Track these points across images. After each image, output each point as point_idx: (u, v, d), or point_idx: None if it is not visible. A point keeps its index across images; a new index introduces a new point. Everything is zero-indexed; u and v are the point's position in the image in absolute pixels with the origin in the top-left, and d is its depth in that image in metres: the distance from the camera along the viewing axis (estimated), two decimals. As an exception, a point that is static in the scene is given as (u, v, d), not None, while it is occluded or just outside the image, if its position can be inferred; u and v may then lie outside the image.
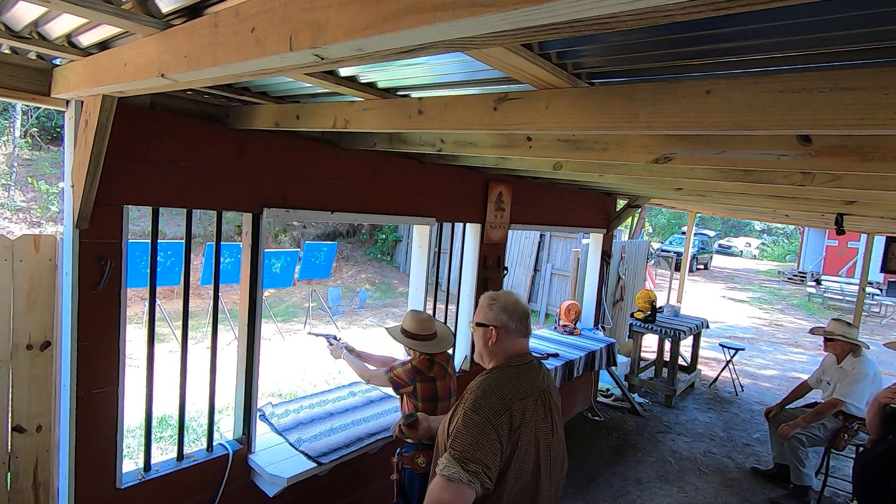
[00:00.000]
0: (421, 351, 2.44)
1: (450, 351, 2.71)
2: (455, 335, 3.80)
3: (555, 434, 1.61)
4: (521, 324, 1.63)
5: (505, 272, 4.05)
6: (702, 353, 7.25)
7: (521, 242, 11.42)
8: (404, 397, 2.47)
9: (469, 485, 1.35)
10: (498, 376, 1.57)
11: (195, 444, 3.87)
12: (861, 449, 3.71)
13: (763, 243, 33.12)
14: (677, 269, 10.03)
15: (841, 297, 15.40)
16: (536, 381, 1.60)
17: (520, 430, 1.48)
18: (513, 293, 1.73)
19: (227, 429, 2.53)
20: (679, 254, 12.77)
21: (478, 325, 1.67)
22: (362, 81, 1.73)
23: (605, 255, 5.64)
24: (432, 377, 2.42)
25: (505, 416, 1.45)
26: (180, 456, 2.30)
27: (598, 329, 5.66)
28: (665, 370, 6.40)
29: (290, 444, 2.60)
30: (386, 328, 2.59)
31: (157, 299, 2.22)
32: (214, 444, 2.42)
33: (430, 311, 3.53)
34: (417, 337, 2.45)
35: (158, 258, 2.48)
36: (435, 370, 2.44)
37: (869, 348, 4.05)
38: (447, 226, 3.59)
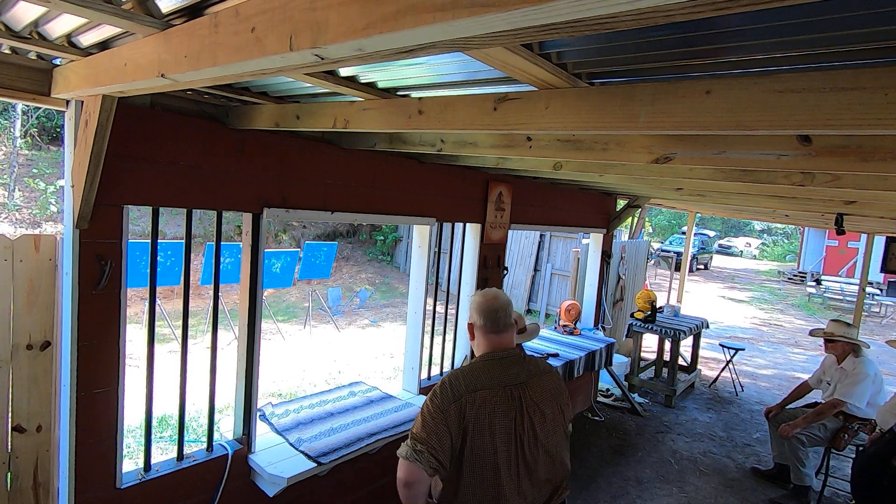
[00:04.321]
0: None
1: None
2: (455, 337, 3.81)
3: (527, 429, 1.64)
4: (489, 320, 1.73)
5: (505, 272, 4.05)
6: (702, 353, 7.24)
7: (521, 242, 11.42)
8: None
9: (415, 462, 1.51)
10: (464, 368, 1.71)
11: (195, 444, 3.87)
12: (860, 449, 3.72)
13: (763, 243, 33.12)
14: (677, 269, 10.03)
15: (841, 297, 15.40)
16: (509, 374, 1.67)
17: (472, 418, 1.58)
18: (490, 290, 1.82)
19: (227, 429, 2.52)
20: (679, 254, 12.77)
21: (468, 324, 1.82)
22: (362, 81, 1.73)
23: (605, 255, 5.64)
24: None
25: (455, 405, 1.59)
26: (180, 456, 2.30)
27: (598, 329, 5.66)
28: (665, 370, 6.40)
29: (290, 444, 2.60)
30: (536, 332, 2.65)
31: (157, 299, 2.22)
32: (214, 444, 2.42)
33: (429, 311, 3.53)
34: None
35: (158, 258, 2.48)
36: None
37: (869, 347, 4.05)
38: (447, 226, 3.59)
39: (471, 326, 1.79)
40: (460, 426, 1.58)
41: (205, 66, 1.02)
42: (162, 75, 1.15)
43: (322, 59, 0.84)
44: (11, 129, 11.25)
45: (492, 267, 3.85)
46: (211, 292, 6.81)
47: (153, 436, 2.33)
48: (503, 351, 1.73)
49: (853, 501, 2.76)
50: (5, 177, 10.84)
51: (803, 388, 4.44)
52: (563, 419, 1.77)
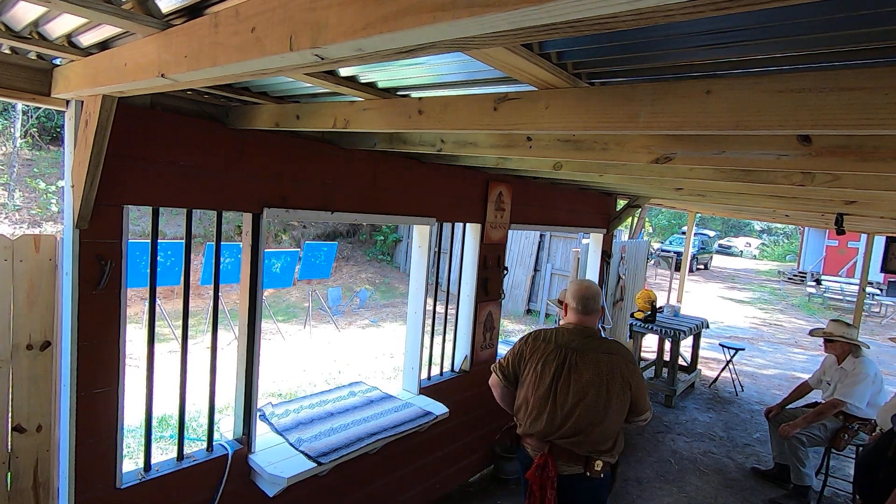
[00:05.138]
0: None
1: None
2: (455, 337, 3.81)
3: (563, 380, 2.27)
4: (579, 304, 2.41)
5: (505, 272, 4.05)
6: (702, 353, 7.25)
7: (521, 242, 11.42)
8: None
9: (494, 372, 2.53)
10: (547, 329, 2.47)
11: (195, 444, 3.88)
12: (861, 448, 3.72)
13: (763, 243, 33.14)
14: (677, 269, 10.03)
15: (841, 297, 15.41)
16: (570, 340, 2.34)
17: (528, 357, 2.40)
18: (585, 281, 2.52)
19: (227, 429, 2.52)
20: (679, 254, 12.77)
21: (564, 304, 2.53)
22: (362, 81, 1.73)
23: (605, 255, 5.64)
24: None
25: (524, 345, 2.44)
26: (180, 456, 2.30)
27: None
28: (665, 370, 6.41)
29: (290, 444, 2.60)
30: (558, 301, 3.46)
31: (157, 299, 2.22)
32: (214, 443, 2.42)
33: (429, 311, 3.54)
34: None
35: (158, 258, 2.48)
36: None
37: (869, 348, 4.05)
38: (447, 226, 3.59)
39: (565, 305, 2.48)
40: (521, 359, 2.42)
41: (205, 66, 1.02)
42: (162, 75, 1.15)
43: (322, 59, 0.84)
44: (11, 129, 11.25)
45: (492, 267, 3.85)
46: (211, 292, 6.82)
47: (153, 436, 2.33)
48: (578, 325, 2.40)
49: (855, 498, 2.79)
50: (5, 177, 10.84)
51: (803, 388, 4.44)
52: (607, 395, 2.22)
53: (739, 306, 14.72)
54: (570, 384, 2.25)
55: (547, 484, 2.22)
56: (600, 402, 2.22)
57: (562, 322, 2.49)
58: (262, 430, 2.67)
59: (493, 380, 2.53)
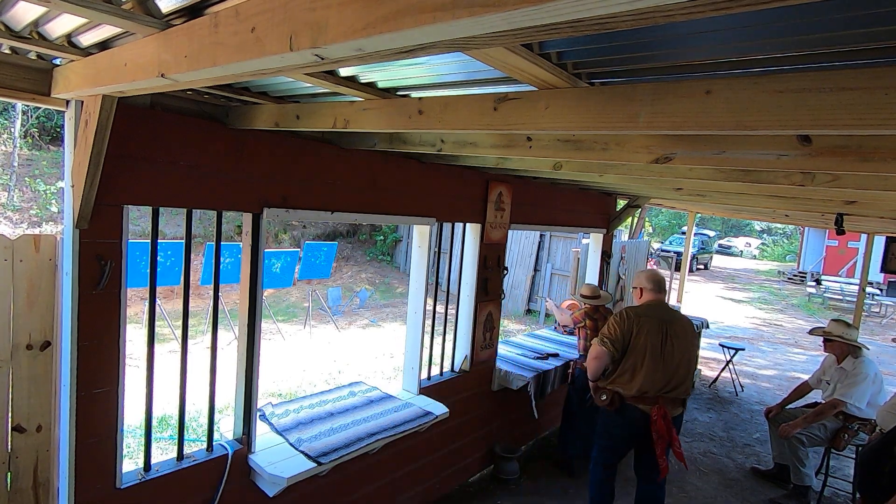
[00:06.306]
0: (592, 304, 4.11)
1: (609, 306, 4.43)
2: (455, 336, 3.81)
3: (666, 344, 2.99)
4: (655, 286, 3.18)
5: (505, 272, 4.05)
6: (702, 353, 7.24)
7: (521, 242, 11.42)
8: (579, 330, 4.12)
9: (603, 345, 3.06)
10: (636, 306, 3.17)
11: (195, 444, 3.87)
12: (862, 448, 3.72)
13: (763, 243, 33.13)
14: (677, 269, 10.03)
15: (841, 297, 15.40)
16: (662, 315, 3.07)
17: (636, 331, 3.00)
18: (653, 269, 3.37)
19: (227, 429, 2.52)
20: (679, 254, 12.77)
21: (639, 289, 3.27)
22: (362, 81, 1.73)
23: (605, 255, 5.64)
24: (595, 318, 4.05)
25: (628, 321, 3.04)
26: (180, 456, 2.30)
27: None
28: (665, 370, 6.40)
29: (290, 444, 2.60)
30: (581, 294, 4.27)
31: (157, 299, 2.22)
32: (214, 443, 2.42)
33: (429, 311, 3.54)
34: (592, 297, 4.14)
35: (158, 258, 2.48)
36: (597, 314, 4.09)
37: (868, 349, 4.04)
38: (447, 226, 3.59)
39: (640, 290, 3.21)
40: (629, 332, 3.02)
41: (205, 66, 1.02)
42: (162, 75, 1.15)
43: (322, 59, 0.84)
44: (11, 129, 11.25)
45: (492, 267, 3.85)
46: (211, 292, 6.82)
47: (153, 436, 2.33)
48: (653, 302, 3.14)
49: (855, 497, 2.80)
50: (5, 177, 10.84)
51: (803, 388, 4.44)
52: (693, 351, 3.09)
53: (739, 306, 14.73)
54: (673, 348, 2.99)
55: (670, 426, 2.96)
56: (692, 357, 3.07)
57: (642, 300, 3.19)
58: (262, 430, 2.67)
59: (601, 350, 3.06)
